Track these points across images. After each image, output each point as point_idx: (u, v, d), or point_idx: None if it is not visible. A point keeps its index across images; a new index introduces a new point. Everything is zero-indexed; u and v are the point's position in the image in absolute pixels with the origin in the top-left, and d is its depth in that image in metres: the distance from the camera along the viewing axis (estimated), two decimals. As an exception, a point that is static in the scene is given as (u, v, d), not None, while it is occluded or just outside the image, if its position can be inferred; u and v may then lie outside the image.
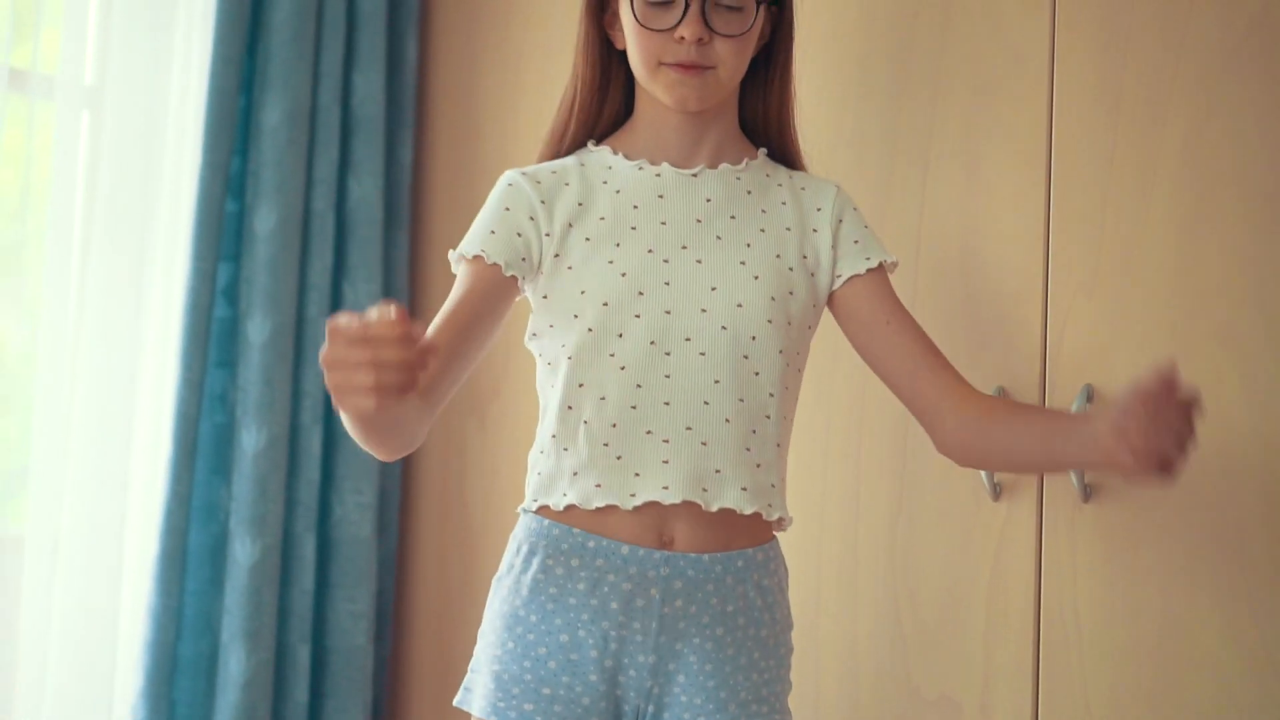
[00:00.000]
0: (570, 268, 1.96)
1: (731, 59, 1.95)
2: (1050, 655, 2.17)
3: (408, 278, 3.03)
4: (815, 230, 2.02)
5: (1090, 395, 2.13)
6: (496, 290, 1.94)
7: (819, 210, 2.04)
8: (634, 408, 1.91)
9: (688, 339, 1.92)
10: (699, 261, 1.96)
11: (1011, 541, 2.21)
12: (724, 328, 1.93)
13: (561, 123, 2.07)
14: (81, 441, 2.72)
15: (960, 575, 2.26)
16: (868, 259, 2.01)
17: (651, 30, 1.94)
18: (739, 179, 2.03)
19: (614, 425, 1.91)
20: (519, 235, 1.96)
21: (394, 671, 2.99)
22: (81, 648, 2.71)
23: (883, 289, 2.01)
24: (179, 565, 2.72)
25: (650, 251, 1.96)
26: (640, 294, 1.93)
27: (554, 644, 1.89)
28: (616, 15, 2.01)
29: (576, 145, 2.07)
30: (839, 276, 2.01)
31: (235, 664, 2.74)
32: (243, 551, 2.75)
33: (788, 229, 2.01)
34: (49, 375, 2.69)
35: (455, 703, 1.99)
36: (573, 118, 2.06)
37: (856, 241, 2.02)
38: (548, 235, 1.97)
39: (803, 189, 2.06)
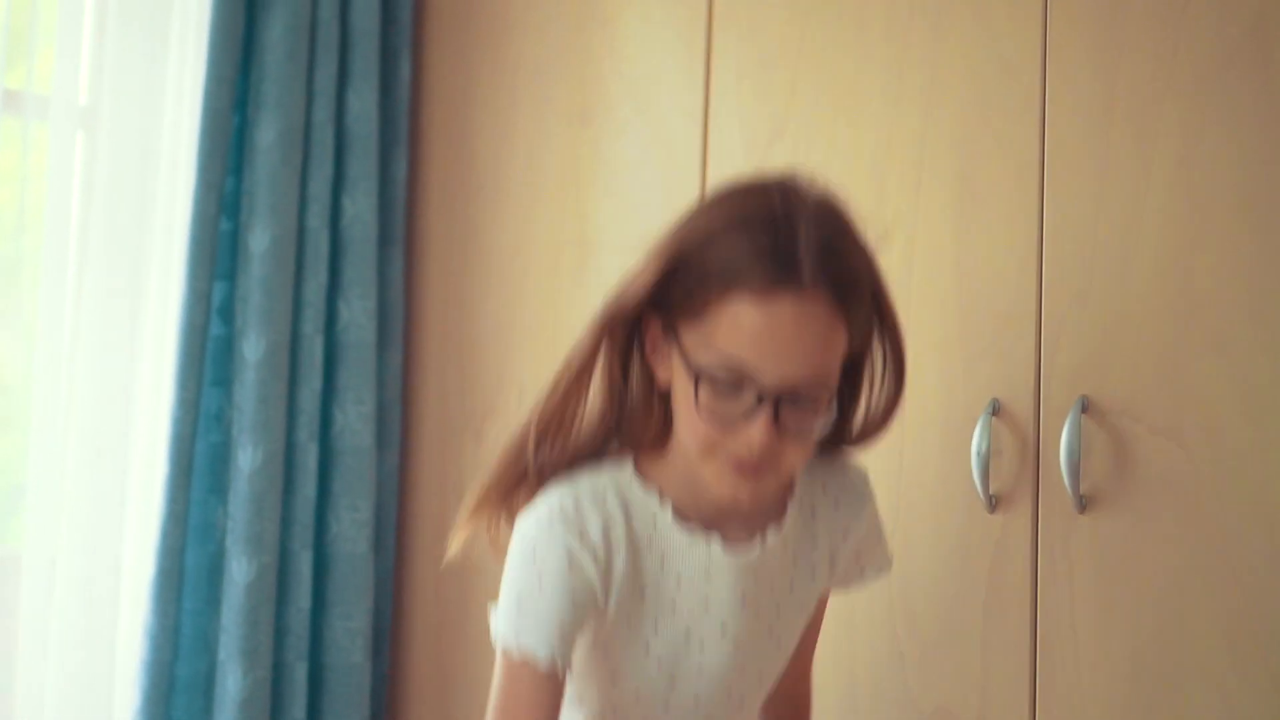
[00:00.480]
0: (604, 643, 1.81)
1: (797, 458, 1.73)
2: (1047, 666, 2.17)
3: (403, 294, 3.03)
4: (834, 560, 1.93)
5: (1085, 406, 2.13)
6: (559, 692, 1.75)
7: (846, 533, 1.93)
8: None
9: (709, 717, 1.86)
10: (734, 645, 1.84)
11: (1008, 553, 2.21)
12: (744, 697, 1.88)
13: (596, 433, 1.81)
14: (78, 460, 2.72)
15: (957, 587, 2.26)
16: (862, 577, 1.99)
17: (714, 422, 1.69)
18: (785, 546, 1.87)
19: None
20: (580, 625, 1.77)
21: (392, 689, 2.99)
22: (79, 667, 2.71)
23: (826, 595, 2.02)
24: (176, 585, 2.72)
25: (687, 636, 1.82)
26: (672, 680, 1.83)
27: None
28: (658, 348, 1.77)
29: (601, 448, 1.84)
30: (830, 578, 1.96)
31: (232, 682, 2.73)
32: (239, 570, 2.75)
33: (813, 572, 1.91)
34: (45, 394, 2.69)
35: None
36: (601, 426, 1.80)
37: (860, 561, 1.98)
38: (600, 615, 1.80)
39: (835, 505, 1.92)
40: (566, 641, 1.73)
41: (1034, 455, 2.18)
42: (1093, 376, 2.14)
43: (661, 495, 1.80)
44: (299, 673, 2.83)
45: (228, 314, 2.82)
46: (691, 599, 1.81)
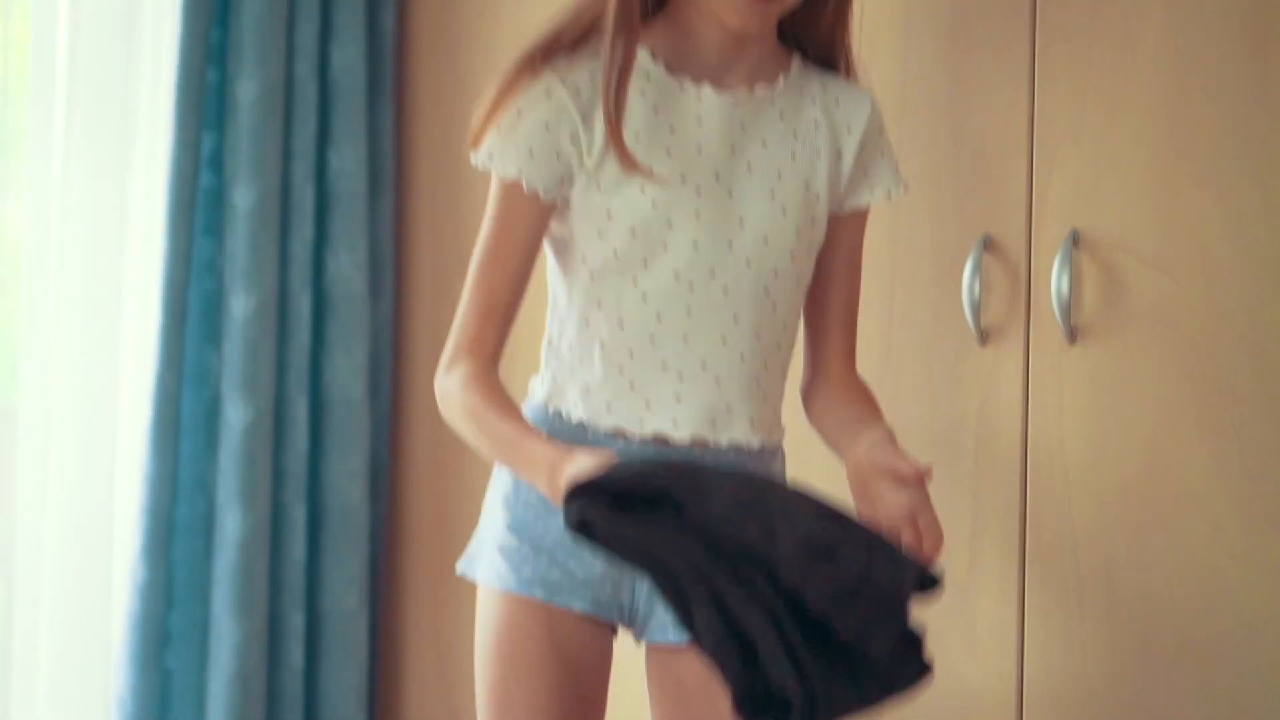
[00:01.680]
0: (600, 187, 1.88)
1: None
2: (1037, 497, 2.20)
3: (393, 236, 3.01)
4: (841, 155, 1.97)
5: (1076, 240, 2.14)
6: (542, 224, 1.89)
7: (849, 133, 1.98)
8: (652, 339, 1.88)
9: (712, 273, 1.89)
10: (730, 193, 1.90)
11: (998, 386, 2.24)
12: (748, 264, 1.90)
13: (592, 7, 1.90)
14: (71, 313, 2.73)
15: (947, 421, 2.29)
16: (871, 192, 1.99)
17: None
18: (774, 103, 1.94)
19: (630, 352, 1.89)
20: (558, 157, 1.88)
21: (390, 530, 3.02)
22: (78, 516, 2.75)
23: (857, 229, 2.01)
24: (173, 430, 2.74)
25: (683, 180, 1.89)
26: (669, 225, 1.88)
27: (553, 522, 1.90)
28: None
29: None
30: (840, 206, 1.99)
31: (232, 525, 2.76)
32: (235, 415, 2.77)
33: (819, 153, 1.95)
34: (36, 248, 2.69)
35: (458, 571, 2.02)
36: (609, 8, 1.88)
37: (868, 173, 1.99)
38: (588, 155, 1.88)
39: (836, 103, 1.98)
40: (539, 165, 1.86)
41: (1025, 289, 2.20)
42: (1084, 210, 2.16)
43: (654, 53, 1.90)
44: (298, 514, 2.86)
45: (218, 163, 2.80)
46: (685, 145, 1.89)
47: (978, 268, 2.22)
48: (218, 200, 2.80)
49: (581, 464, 1.67)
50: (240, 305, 2.77)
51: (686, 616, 1.62)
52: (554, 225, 1.93)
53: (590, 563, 1.90)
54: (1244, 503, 2.03)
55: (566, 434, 1.91)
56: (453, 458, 2.90)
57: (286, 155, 2.86)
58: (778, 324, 1.93)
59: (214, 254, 2.80)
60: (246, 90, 2.79)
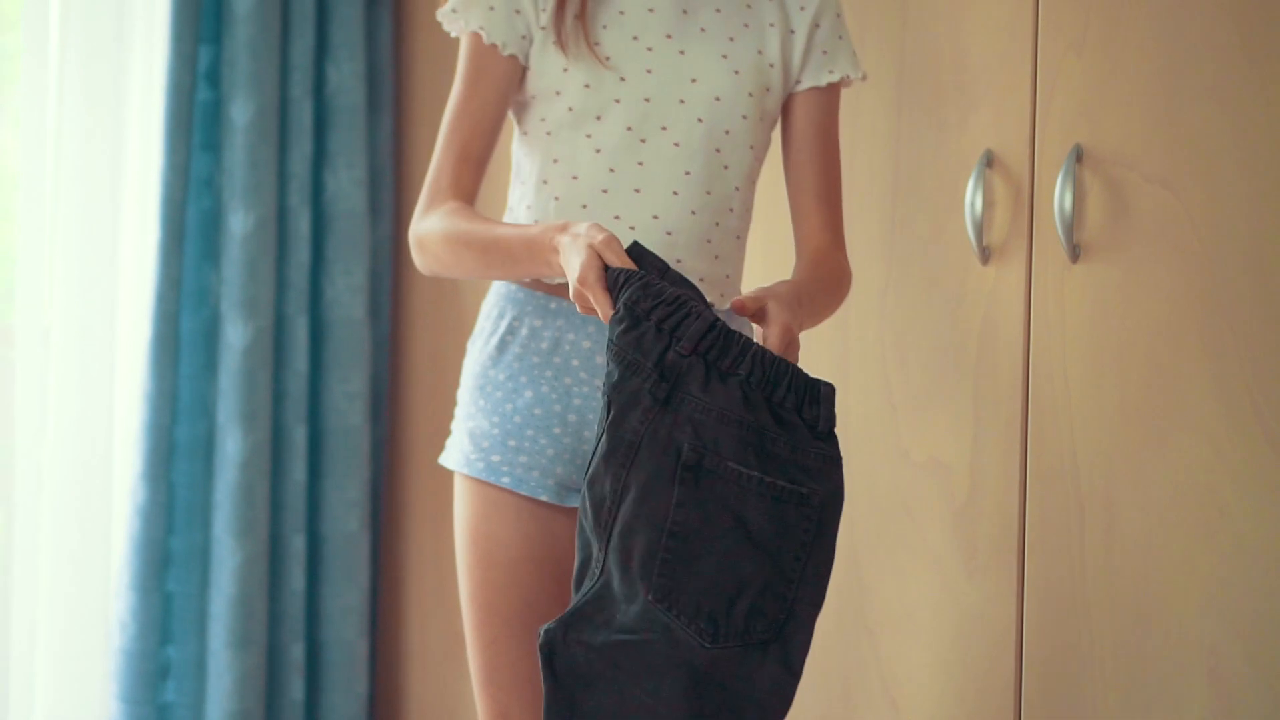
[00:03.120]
0: (556, 44, 1.95)
1: None
2: (1039, 417, 2.18)
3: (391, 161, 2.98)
4: (793, 31, 2.04)
5: (1080, 156, 2.11)
6: (507, 80, 1.97)
7: (802, 9, 2.05)
8: (605, 192, 1.94)
9: (664, 128, 1.95)
10: (682, 52, 1.97)
11: (1000, 304, 2.21)
12: (700, 120, 1.96)
13: None
14: (68, 231, 2.71)
15: (949, 340, 2.27)
16: (830, 72, 2.05)
17: None
18: None
19: (584, 206, 1.94)
20: (517, 13, 1.97)
21: (391, 451, 3.02)
22: (77, 435, 2.74)
23: (824, 109, 2.06)
24: (172, 350, 2.73)
25: (635, 38, 1.96)
26: (622, 79, 1.95)
27: (520, 401, 1.95)
28: None
29: None
30: (798, 84, 2.05)
31: (232, 445, 2.76)
32: (235, 334, 2.76)
33: (771, 25, 2.03)
34: (32, 166, 2.68)
35: (439, 460, 2.06)
36: None
37: (825, 52, 2.05)
38: (542, 10, 1.96)
39: None
40: (499, 19, 1.94)
41: (1028, 206, 2.17)
42: (1087, 126, 2.12)
43: None
44: (298, 436, 2.86)
45: (214, 78, 2.78)
46: (636, 6, 1.97)
47: (980, 185, 2.19)
48: (215, 115, 2.78)
49: (589, 228, 1.72)
50: (239, 222, 2.75)
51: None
52: (517, 93, 1.99)
53: (558, 439, 1.94)
54: (1245, 422, 2.01)
55: (522, 295, 1.97)
56: (453, 379, 2.89)
57: (284, 69, 2.84)
58: (729, 185, 1.98)
59: (212, 170, 2.78)
60: (242, 2, 2.76)
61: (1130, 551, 2.10)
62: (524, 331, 1.97)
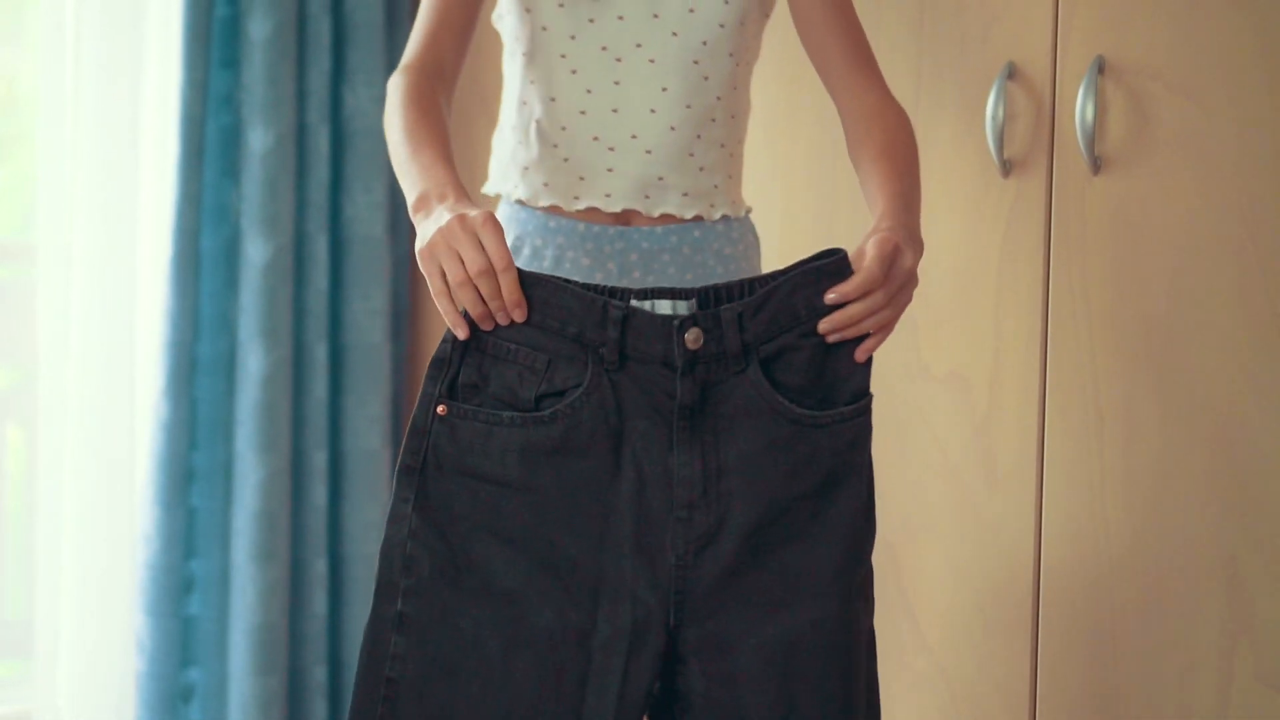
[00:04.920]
0: None
1: None
2: (1058, 330, 2.18)
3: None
4: None
5: (1102, 66, 2.10)
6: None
7: None
8: (583, 113, 1.94)
9: (639, 45, 1.94)
10: None
11: (1021, 218, 2.21)
12: (675, 34, 1.94)
13: None
14: (89, 148, 2.71)
15: (970, 253, 2.26)
16: None
17: None
18: None
19: (563, 128, 1.94)
20: None
21: (411, 369, 3.03)
22: (100, 351, 2.75)
23: None
24: (193, 267, 2.74)
25: None
26: None
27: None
28: None
29: None
30: None
31: (254, 362, 2.77)
32: (256, 251, 2.76)
33: None
34: (51, 84, 2.67)
35: None
36: None
37: None
38: None
39: None
40: None
41: (1049, 118, 2.16)
42: (1110, 36, 2.11)
43: None
44: (319, 352, 2.86)
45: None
46: None
47: (1001, 97, 2.18)
48: (234, 31, 2.77)
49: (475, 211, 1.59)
50: (258, 139, 2.75)
51: None
52: (503, 6, 1.98)
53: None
54: (1267, 336, 2.01)
55: (524, 214, 1.98)
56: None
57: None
58: (709, 95, 1.96)
59: (231, 87, 2.77)
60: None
61: (1149, 463, 2.11)
62: (526, 251, 1.98)
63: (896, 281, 1.65)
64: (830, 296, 1.62)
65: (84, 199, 2.71)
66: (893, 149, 1.85)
